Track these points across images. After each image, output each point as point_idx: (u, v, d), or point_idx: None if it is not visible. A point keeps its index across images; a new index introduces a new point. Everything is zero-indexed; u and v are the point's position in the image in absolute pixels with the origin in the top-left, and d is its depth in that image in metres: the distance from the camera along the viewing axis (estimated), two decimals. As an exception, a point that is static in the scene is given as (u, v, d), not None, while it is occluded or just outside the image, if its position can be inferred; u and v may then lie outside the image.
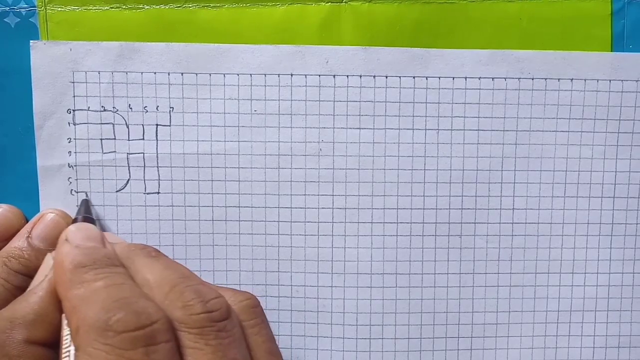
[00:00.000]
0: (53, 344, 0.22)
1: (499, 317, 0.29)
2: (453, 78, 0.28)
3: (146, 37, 0.28)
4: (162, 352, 0.19)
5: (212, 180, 0.28)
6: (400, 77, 0.28)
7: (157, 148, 0.28)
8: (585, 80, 0.28)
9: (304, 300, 0.29)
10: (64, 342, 0.21)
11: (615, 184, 0.29)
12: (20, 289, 0.25)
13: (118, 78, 0.28)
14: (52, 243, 0.27)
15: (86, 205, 0.28)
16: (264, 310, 0.24)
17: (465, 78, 0.28)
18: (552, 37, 0.28)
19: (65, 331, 0.21)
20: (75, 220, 0.26)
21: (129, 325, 0.19)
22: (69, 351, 0.20)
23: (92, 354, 0.19)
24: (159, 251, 0.24)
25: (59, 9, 0.28)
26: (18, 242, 0.26)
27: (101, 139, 0.28)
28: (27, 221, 0.28)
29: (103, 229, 0.28)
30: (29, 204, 0.28)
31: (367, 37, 0.28)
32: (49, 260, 0.24)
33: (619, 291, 0.30)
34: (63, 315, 0.22)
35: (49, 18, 0.28)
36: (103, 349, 0.18)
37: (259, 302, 0.24)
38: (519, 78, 0.28)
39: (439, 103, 0.28)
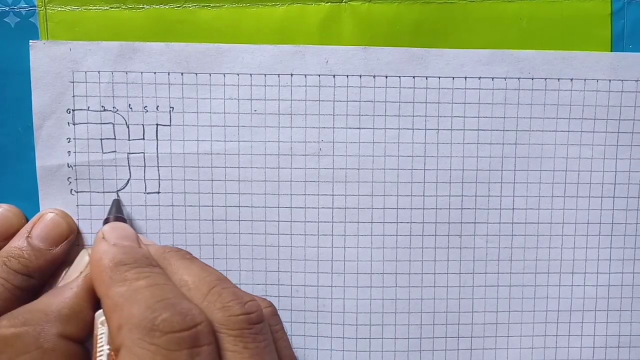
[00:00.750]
0: (84, 341, 0.22)
1: (498, 316, 0.29)
2: (453, 78, 0.28)
3: (146, 37, 0.28)
4: (205, 355, 0.19)
5: (212, 180, 0.28)
6: (400, 77, 0.28)
7: (157, 148, 0.28)
8: (585, 80, 0.28)
9: (303, 299, 0.29)
10: (98, 341, 0.21)
11: (615, 184, 0.29)
12: (20, 289, 0.25)
13: (118, 78, 0.28)
14: (52, 243, 0.27)
15: (117, 205, 0.28)
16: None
17: (465, 78, 0.28)
18: (552, 37, 0.28)
19: (100, 330, 0.21)
20: (107, 220, 0.26)
21: (174, 326, 0.19)
22: (103, 349, 0.20)
23: (137, 353, 0.19)
24: (192, 254, 0.24)
25: (59, 9, 0.28)
26: (18, 242, 0.26)
27: (101, 139, 0.28)
28: (27, 221, 0.28)
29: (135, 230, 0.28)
30: (28, 203, 0.28)
31: (366, 37, 0.28)
32: (84, 257, 0.24)
33: (619, 291, 0.30)
34: (97, 313, 0.22)
35: (49, 18, 0.28)
36: (149, 348, 0.19)
37: (277, 309, 0.24)
38: (519, 78, 0.28)
39: (438, 103, 0.28)
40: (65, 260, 0.27)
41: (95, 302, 0.22)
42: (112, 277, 0.21)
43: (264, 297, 0.29)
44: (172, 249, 0.24)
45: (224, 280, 0.22)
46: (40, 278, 0.26)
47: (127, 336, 0.19)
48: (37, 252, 0.26)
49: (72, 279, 0.23)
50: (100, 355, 0.20)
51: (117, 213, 0.27)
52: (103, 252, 0.22)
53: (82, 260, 0.24)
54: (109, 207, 0.28)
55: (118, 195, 0.28)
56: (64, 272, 0.27)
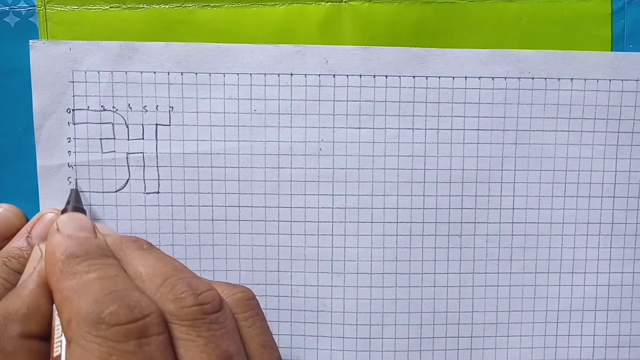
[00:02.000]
0: (47, 336, 0.22)
1: (498, 316, 0.29)
2: (453, 78, 0.28)
3: (146, 37, 0.28)
4: (155, 345, 0.19)
5: (211, 180, 0.28)
6: (400, 76, 0.28)
7: (156, 147, 0.28)
8: (585, 79, 0.28)
9: (303, 299, 0.29)
10: (55, 333, 0.21)
11: (615, 184, 0.29)
12: None
13: (117, 77, 0.28)
14: None
15: (76, 195, 0.27)
16: (264, 309, 0.24)
17: (465, 78, 0.28)
18: (552, 37, 0.28)
19: (57, 321, 0.21)
20: (65, 210, 0.26)
21: (121, 318, 0.19)
22: (60, 341, 0.20)
23: (84, 346, 0.19)
24: (151, 244, 0.24)
25: (59, 9, 0.28)
26: (18, 242, 0.26)
27: (101, 139, 0.28)
28: (27, 220, 0.28)
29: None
30: (29, 203, 0.28)
31: (367, 37, 0.28)
32: (37, 252, 0.23)
33: (619, 291, 0.30)
34: (54, 306, 0.21)
35: (49, 18, 0.28)
36: (95, 341, 0.19)
37: (254, 295, 0.24)
38: (519, 77, 0.28)
39: (438, 103, 0.28)
40: None
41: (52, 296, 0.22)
42: (63, 270, 0.21)
43: (264, 295, 0.29)
44: (130, 238, 0.24)
45: (180, 271, 0.22)
46: None
47: (76, 330, 0.19)
48: None
49: (27, 275, 0.23)
50: (57, 346, 0.20)
51: (76, 203, 0.27)
52: (56, 244, 0.22)
53: (36, 255, 0.23)
54: (67, 197, 0.27)
55: (77, 186, 0.28)
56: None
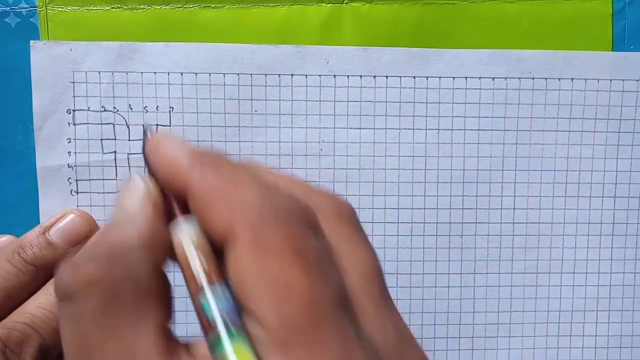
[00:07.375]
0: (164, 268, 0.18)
1: (500, 317, 0.29)
2: (453, 78, 0.28)
3: (147, 38, 0.28)
4: (321, 238, 0.17)
5: (212, 180, 0.28)
6: (400, 77, 0.28)
7: (157, 148, 0.28)
8: (586, 79, 0.28)
9: (304, 300, 0.29)
10: (192, 263, 0.18)
11: (616, 184, 0.29)
12: (31, 280, 0.25)
13: (118, 78, 0.28)
14: (68, 241, 0.26)
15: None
16: None
17: (466, 78, 0.28)
18: (553, 37, 0.28)
19: (189, 252, 0.18)
20: (145, 131, 0.21)
21: (295, 208, 0.16)
22: (197, 270, 0.17)
23: (265, 236, 0.15)
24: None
25: (60, 9, 0.28)
26: (34, 234, 0.26)
27: (101, 139, 0.28)
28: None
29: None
30: (28, 204, 0.28)
31: (367, 38, 0.28)
32: (139, 184, 0.19)
33: (621, 291, 0.29)
34: (173, 227, 0.18)
35: (50, 18, 0.28)
36: (277, 232, 0.15)
37: None
38: (520, 78, 0.28)
39: (439, 103, 0.28)
40: None
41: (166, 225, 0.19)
42: (203, 161, 0.17)
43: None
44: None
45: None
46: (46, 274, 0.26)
47: (243, 223, 0.16)
48: (51, 246, 0.25)
49: (132, 206, 0.19)
50: (199, 277, 0.18)
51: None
52: (177, 144, 0.18)
53: (138, 188, 0.19)
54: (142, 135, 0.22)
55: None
56: None
